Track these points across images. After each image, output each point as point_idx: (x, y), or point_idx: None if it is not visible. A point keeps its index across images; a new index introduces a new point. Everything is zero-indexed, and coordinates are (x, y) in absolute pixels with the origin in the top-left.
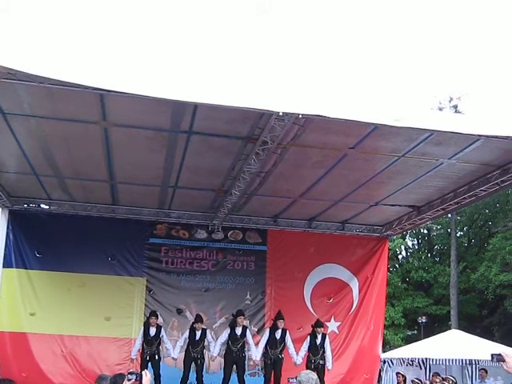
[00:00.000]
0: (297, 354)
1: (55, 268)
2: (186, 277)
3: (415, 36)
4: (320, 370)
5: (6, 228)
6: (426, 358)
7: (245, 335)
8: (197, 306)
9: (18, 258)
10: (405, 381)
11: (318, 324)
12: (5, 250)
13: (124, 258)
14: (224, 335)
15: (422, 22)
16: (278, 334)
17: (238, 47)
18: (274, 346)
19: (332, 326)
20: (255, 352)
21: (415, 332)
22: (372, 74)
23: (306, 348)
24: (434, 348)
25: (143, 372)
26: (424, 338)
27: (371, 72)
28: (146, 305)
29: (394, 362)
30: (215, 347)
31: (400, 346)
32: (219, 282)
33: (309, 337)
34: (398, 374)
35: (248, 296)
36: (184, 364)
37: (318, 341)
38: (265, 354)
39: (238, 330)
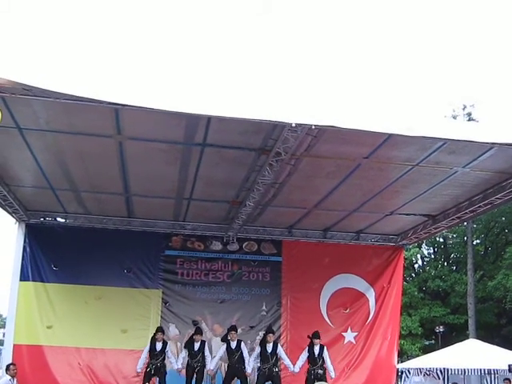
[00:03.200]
0: (294, 364)
1: (72, 281)
2: (201, 288)
3: (429, 44)
4: (320, 380)
5: (22, 242)
6: (444, 368)
7: (240, 348)
8: (212, 318)
9: (34, 271)
10: None
11: (315, 335)
12: (22, 264)
13: (140, 270)
14: (220, 351)
15: (435, 29)
16: (270, 348)
17: (246, 57)
18: (266, 360)
19: (349, 336)
20: (247, 365)
21: (433, 342)
22: (385, 83)
23: (305, 358)
24: (451, 358)
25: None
26: (442, 347)
27: (384, 81)
28: (162, 317)
29: (412, 371)
30: (212, 362)
31: (417, 355)
32: (235, 294)
33: (307, 348)
34: None
35: (264, 307)
36: (186, 375)
37: (316, 352)
38: (259, 369)
39: (233, 344)
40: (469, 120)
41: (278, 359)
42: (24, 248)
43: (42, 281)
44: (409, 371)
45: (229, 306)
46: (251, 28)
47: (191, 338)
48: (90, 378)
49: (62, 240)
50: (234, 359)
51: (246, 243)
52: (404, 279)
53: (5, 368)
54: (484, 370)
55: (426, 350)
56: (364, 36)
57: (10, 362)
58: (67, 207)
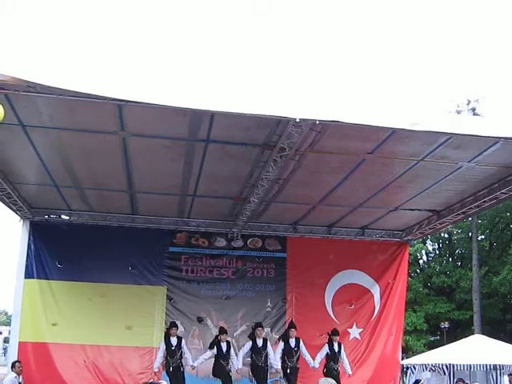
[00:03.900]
0: (313, 359)
1: (76, 278)
2: (206, 285)
3: (432, 39)
4: (337, 377)
5: (27, 239)
6: (450, 364)
7: (266, 346)
8: (217, 314)
9: (39, 268)
10: None
11: (335, 332)
12: (26, 261)
13: (144, 267)
14: (246, 347)
15: (439, 25)
16: (293, 343)
17: (249, 53)
18: (291, 355)
19: (354, 332)
20: (275, 361)
21: (438, 337)
22: (389, 78)
23: (324, 355)
24: (457, 353)
25: (162, 382)
26: (447, 343)
27: (388, 76)
28: (166, 313)
29: (417, 367)
30: (239, 360)
31: (423, 351)
32: (239, 290)
33: (326, 345)
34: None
35: (269, 303)
36: (223, 379)
37: (336, 349)
38: (283, 364)
39: (259, 342)
40: (473, 115)
41: (299, 355)
42: (29, 245)
43: (47, 278)
44: (414, 367)
45: (234, 303)
46: (255, 25)
47: (216, 338)
48: (95, 375)
49: (67, 237)
50: (262, 358)
51: (250, 239)
52: (409, 275)
53: (10, 365)
54: (489, 365)
55: (431, 345)
56: (368, 32)
57: (16, 359)
58: (71, 204)
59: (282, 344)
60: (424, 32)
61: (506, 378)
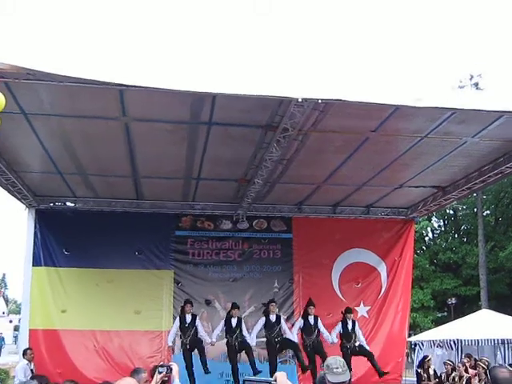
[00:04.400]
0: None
1: (83, 264)
2: (213, 268)
3: (434, 15)
4: (358, 352)
5: (33, 227)
6: (458, 339)
7: (280, 322)
8: (225, 297)
9: (46, 256)
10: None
11: (348, 310)
12: (33, 249)
13: (151, 251)
14: (259, 323)
15: (442, 1)
16: (312, 320)
17: (251, 33)
18: (310, 333)
19: (361, 310)
20: (291, 336)
21: (445, 314)
22: (390, 56)
23: (338, 331)
24: (465, 329)
25: (172, 364)
26: (454, 319)
27: (390, 53)
28: (174, 297)
29: (425, 344)
30: (252, 338)
31: (430, 328)
32: (246, 272)
33: (340, 323)
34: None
35: (276, 284)
36: (230, 357)
37: (350, 327)
38: (303, 343)
39: (273, 317)
40: (476, 90)
41: (318, 332)
42: (35, 234)
43: (54, 265)
44: (422, 344)
45: (241, 284)
46: (257, 6)
47: (228, 313)
48: (105, 360)
49: (73, 224)
50: (274, 332)
51: (255, 221)
52: (415, 252)
53: (22, 353)
54: (497, 340)
55: (439, 322)
56: (370, 9)
57: (27, 346)
58: (76, 191)
59: (301, 321)
60: (427, 9)
61: None
